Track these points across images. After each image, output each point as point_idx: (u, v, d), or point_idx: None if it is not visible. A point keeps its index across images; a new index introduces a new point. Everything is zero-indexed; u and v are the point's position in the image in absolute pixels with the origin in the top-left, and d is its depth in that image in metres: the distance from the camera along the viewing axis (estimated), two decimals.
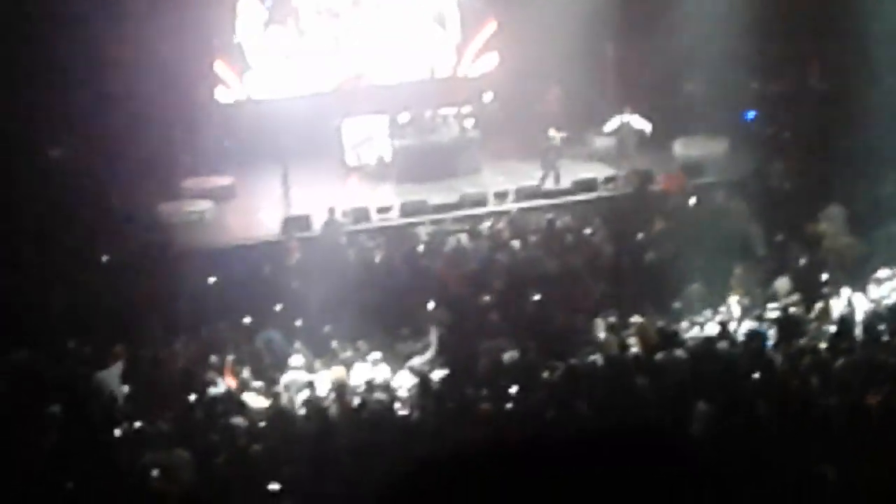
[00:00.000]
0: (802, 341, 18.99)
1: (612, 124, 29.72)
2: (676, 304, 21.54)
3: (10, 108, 27.79)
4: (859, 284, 21.24)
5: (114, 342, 20.21)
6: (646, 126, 29.44)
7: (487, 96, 33.46)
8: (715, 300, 21.27)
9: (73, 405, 18.12)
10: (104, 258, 24.63)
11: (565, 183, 28.77)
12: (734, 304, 20.95)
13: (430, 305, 21.70)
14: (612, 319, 20.32)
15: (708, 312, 20.91)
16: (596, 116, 32.16)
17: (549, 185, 28.81)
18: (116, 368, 19.15)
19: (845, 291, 20.73)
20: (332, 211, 26.12)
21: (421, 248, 25.02)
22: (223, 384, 18.79)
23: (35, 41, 28.30)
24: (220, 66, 32.42)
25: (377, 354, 19.48)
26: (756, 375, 17.43)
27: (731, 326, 19.82)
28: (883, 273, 21.54)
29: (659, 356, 18.47)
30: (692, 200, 26.74)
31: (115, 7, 29.54)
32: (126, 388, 18.92)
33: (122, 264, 24.36)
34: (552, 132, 29.74)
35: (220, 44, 32.43)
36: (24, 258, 23.98)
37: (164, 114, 30.73)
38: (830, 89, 31.62)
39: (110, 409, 18.29)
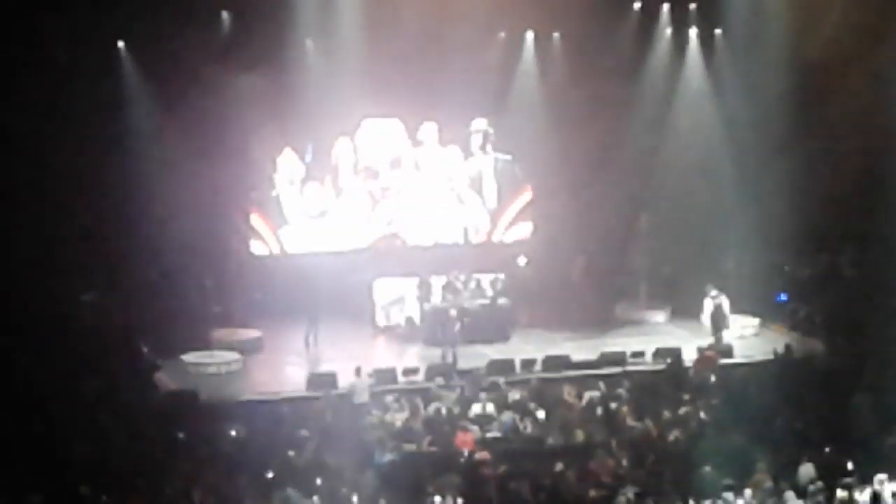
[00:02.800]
0: None
1: (707, 306, 29.62)
2: (695, 486, 21.29)
3: (46, 253, 27.97)
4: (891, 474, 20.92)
5: (131, 492, 20.10)
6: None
7: (521, 260, 33.58)
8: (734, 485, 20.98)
9: None
10: (129, 406, 24.52)
11: (593, 355, 28.70)
12: (755, 491, 20.63)
13: (449, 472, 21.51)
14: (632, 496, 20.06)
15: (729, 496, 20.59)
16: (626, 290, 32.38)
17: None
18: None
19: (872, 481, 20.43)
20: (358, 370, 26.06)
21: (444, 412, 24.86)
22: None
23: (70, 186, 28.58)
24: (255, 220, 32.65)
25: None
26: None
27: None
28: None
29: None
30: (713, 378, 26.60)
31: (155, 156, 29.85)
32: None
33: (147, 413, 24.28)
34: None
35: (257, 197, 32.67)
36: (49, 403, 23.94)
37: (198, 263, 30.94)
38: (861, 277, 31.67)
39: None
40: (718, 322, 29.56)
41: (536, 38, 33.92)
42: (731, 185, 32.23)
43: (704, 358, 27.65)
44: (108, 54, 30.24)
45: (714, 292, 29.55)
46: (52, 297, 27.98)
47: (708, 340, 29.23)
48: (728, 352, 29.08)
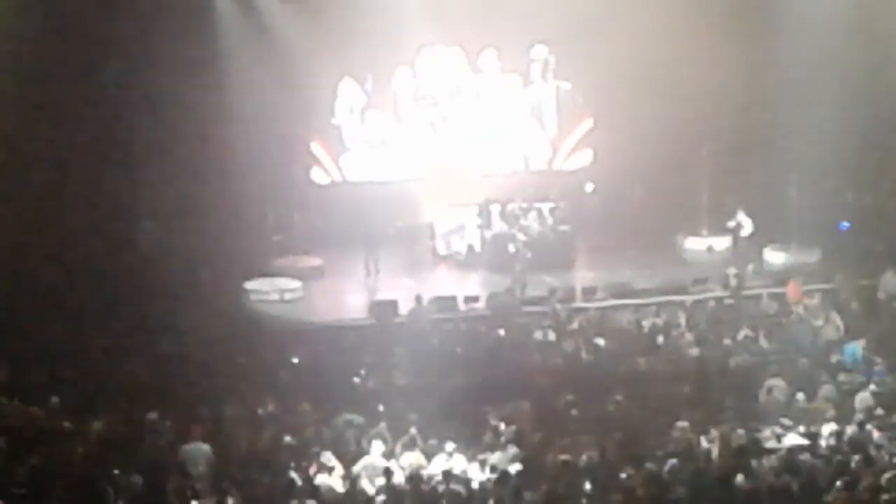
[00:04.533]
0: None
1: (730, 223, 29.52)
2: (759, 411, 21.27)
3: (107, 180, 28.13)
4: None
5: (194, 417, 20.30)
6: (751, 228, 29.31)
7: (588, 186, 33.47)
8: (799, 411, 20.95)
9: (153, 477, 18.15)
10: (192, 331, 24.71)
11: (655, 283, 28.64)
12: (819, 415, 20.62)
13: (512, 399, 21.57)
14: (693, 424, 20.04)
15: (790, 422, 20.57)
16: (687, 218, 32.26)
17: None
18: (196, 444, 19.17)
19: None
20: (419, 298, 26.14)
21: (506, 339, 24.90)
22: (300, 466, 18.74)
23: (133, 116, 28.70)
24: (316, 147, 32.71)
25: (453, 445, 19.35)
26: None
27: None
28: None
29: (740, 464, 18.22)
30: (800, 308, 26.45)
31: (214, 84, 29.89)
32: (202, 466, 18.88)
33: (208, 339, 24.45)
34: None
35: (318, 125, 32.72)
36: (111, 330, 24.18)
37: (259, 192, 31.04)
38: None
39: (186, 485, 18.28)
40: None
41: None
42: (793, 114, 31.87)
43: (794, 286, 27.42)
44: None
45: (740, 216, 29.36)
46: (113, 224, 28.19)
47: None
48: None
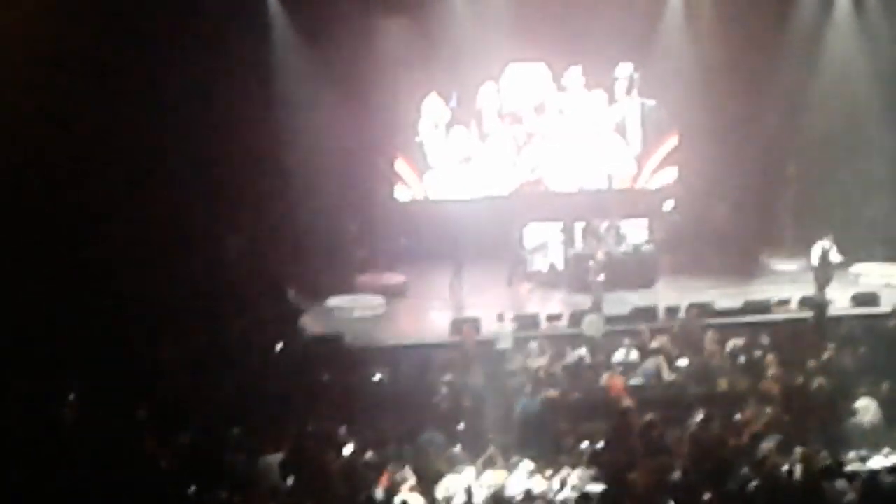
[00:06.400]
0: None
1: (815, 252, 29.20)
2: (844, 433, 21.10)
3: (192, 193, 28.38)
4: None
5: (278, 432, 20.46)
6: (840, 257, 28.98)
7: (668, 204, 33.36)
8: (884, 433, 20.76)
9: (237, 490, 18.35)
10: (275, 348, 24.91)
11: (738, 302, 28.47)
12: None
13: (592, 418, 21.57)
14: (776, 445, 19.91)
15: (877, 444, 20.40)
16: (771, 238, 32.12)
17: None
18: (278, 458, 19.34)
19: None
20: (500, 316, 26.16)
21: (588, 358, 24.87)
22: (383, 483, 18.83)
23: (220, 129, 28.93)
24: (400, 164, 32.88)
25: (531, 465, 19.37)
26: None
27: None
28: None
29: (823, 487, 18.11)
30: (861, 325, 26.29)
31: (301, 103, 30.13)
32: (286, 480, 19.05)
33: (293, 355, 24.64)
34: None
35: (402, 142, 32.89)
36: (196, 345, 24.42)
37: (344, 208, 31.23)
38: None
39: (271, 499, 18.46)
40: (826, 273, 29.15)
41: None
42: (879, 134, 31.63)
43: None
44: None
45: (827, 242, 29.07)
46: (199, 239, 28.45)
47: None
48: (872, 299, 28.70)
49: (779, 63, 32.32)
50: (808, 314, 27.47)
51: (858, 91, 32.21)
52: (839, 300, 28.32)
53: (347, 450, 20.02)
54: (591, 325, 26.26)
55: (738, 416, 21.66)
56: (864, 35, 32.54)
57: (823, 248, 28.72)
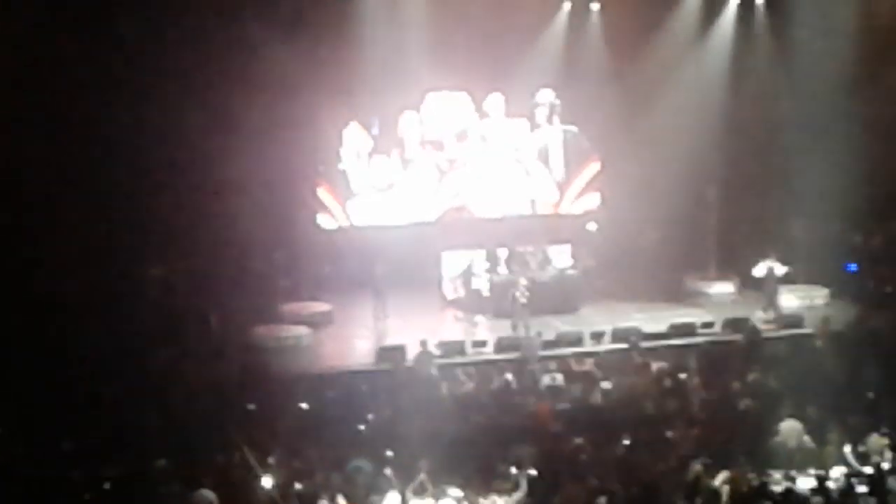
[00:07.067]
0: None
1: (759, 269, 29.51)
2: (769, 454, 21.21)
3: (112, 225, 28.13)
4: None
5: (205, 463, 20.27)
6: (786, 270, 29.33)
7: (591, 226, 33.47)
8: (810, 454, 20.90)
9: None
10: (200, 379, 24.71)
11: (663, 326, 28.60)
12: (829, 457, 20.57)
13: (521, 443, 21.52)
14: (704, 467, 19.97)
15: (802, 465, 20.52)
16: (696, 261, 32.33)
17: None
18: (204, 492, 19.15)
19: None
20: (424, 343, 26.12)
21: (514, 384, 24.87)
22: None
23: (137, 156, 28.73)
24: (323, 193, 32.78)
25: (459, 493, 19.33)
26: None
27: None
28: None
29: None
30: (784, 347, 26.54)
31: (221, 130, 29.95)
32: None
33: (217, 386, 24.44)
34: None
35: (324, 170, 32.80)
36: (120, 378, 24.16)
37: (266, 237, 31.07)
38: None
39: None
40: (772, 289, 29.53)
41: (602, 7, 33.76)
42: (799, 155, 31.94)
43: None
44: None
45: (770, 260, 29.36)
46: (121, 272, 28.19)
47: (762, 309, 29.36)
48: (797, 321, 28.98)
49: (697, 85, 32.63)
50: (733, 336, 27.64)
51: (778, 112, 32.52)
52: (766, 322, 28.58)
53: (275, 480, 19.85)
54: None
55: (665, 439, 21.70)
56: (782, 55, 32.84)
57: (768, 266, 29.07)
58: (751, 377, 24.43)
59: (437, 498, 19.36)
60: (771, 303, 29.54)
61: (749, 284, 31.49)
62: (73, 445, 20.72)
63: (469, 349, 27.61)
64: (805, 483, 19.67)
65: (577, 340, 27.94)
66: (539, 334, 27.49)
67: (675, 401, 23.84)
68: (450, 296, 32.06)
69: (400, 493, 19.43)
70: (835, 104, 31.08)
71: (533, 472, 20.05)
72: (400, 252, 31.15)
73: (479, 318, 30.43)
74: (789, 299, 30.68)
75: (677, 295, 32.15)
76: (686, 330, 28.51)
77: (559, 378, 25.05)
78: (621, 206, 33.51)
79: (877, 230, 32.97)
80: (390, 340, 28.12)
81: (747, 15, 33.81)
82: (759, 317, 28.84)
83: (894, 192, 31.98)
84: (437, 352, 26.52)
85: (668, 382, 24.77)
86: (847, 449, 20.77)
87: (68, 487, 19.39)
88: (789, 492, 19.13)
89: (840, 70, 31.08)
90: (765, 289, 29.70)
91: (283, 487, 19.52)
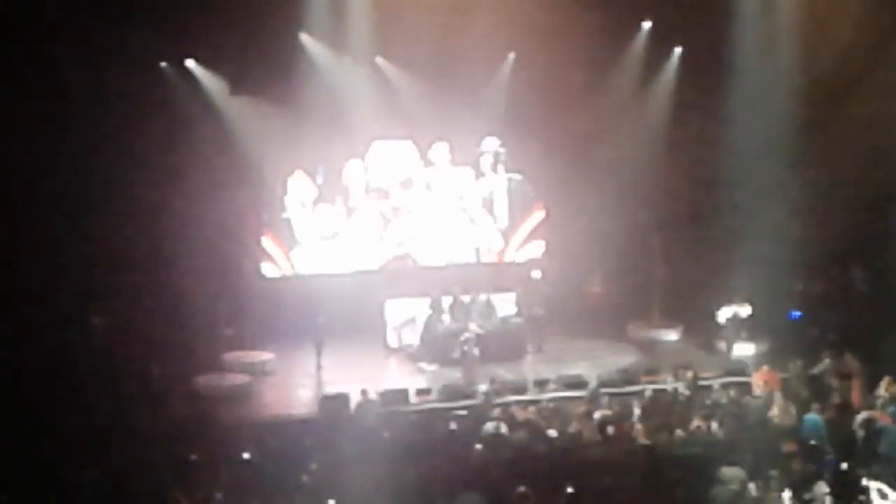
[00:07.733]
0: None
1: (725, 313, 29.69)
2: (712, 502, 21.21)
3: (56, 277, 27.96)
4: None
5: None
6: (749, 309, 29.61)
7: (535, 273, 33.50)
8: (752, 501, 20.91)
9: None
10: (140, 429, 24.50)
11: (606, 373, 28.62)
12: None
13: (466, 492, 21.43)
14: None
15: None
16: (640, 308, 32.42)
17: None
18: None
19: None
20: (365, 392, 26.02)
21: (458, 433, 24.78)
22: None
23: (81, 202, 28.60)
24: (267, 241, 32.69)
25: None
26: None
27: None
28: None
29: None
30: (728, 395, 26.56)
31: (164, 178, 29.88)
32: None
33: (160, 436, 24.24)
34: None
35: (269, 219, 32.72)
36: (60, 427, 23.92)
37: (209, 286, 30.94)
38: (875, 293, 31.58)
39: None
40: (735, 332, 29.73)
41: (547, 57, 33.83)
42: (743, 203, 32.10)
43: (769, 374, 27.48)
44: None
45: (736, 305, 29.59)
46: (62, 320, 27.96)
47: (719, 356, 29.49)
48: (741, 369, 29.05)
49: (641, 135, 32.81)
50: (676, 384, 27.66)
51: (721, 162, 32.65)
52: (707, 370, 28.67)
53: None
54: None
55: (609, 487, 21.66)
56: (725, 106, 32.97)
57: (734, 311, 29.27)
58: (693, 425, 24.43)
59: None
60: (731, 345, 29.75)
61: (692, 332, 31.63)
62: (8, 498, 20.45)
63: (413, 397, 27.51)
64: None
65: (522, 388, 27.89)
66: (492, 382, 27.52)
67: (619, 448, 23.81)
68: (393, 344, 31.99)
69: None
70: (779, 154, 31.30)
71: None
72: (344, 300, 31.15)
73: (423, 366, 30.38)
74: (741, 348, 30.79)
75: (622, 342, 32.19)
76: (630, 377, 28.52)
77: (502, 426, 24.95)
78: (566, 253, 33.59)
79: (819, 278, 33.11)
80: (333, 389, 27.98)
81: (690, 65, 33.95)
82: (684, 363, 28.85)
83: (837, 240, 32.14)
84: (379, 400, 26.42)
85: (611, 430, 24.73)
86: (787, 495, 20.82)
87: None
88: None
89: (785, 119, 31.24)
90: (726, 334, 29.83)
91: None
